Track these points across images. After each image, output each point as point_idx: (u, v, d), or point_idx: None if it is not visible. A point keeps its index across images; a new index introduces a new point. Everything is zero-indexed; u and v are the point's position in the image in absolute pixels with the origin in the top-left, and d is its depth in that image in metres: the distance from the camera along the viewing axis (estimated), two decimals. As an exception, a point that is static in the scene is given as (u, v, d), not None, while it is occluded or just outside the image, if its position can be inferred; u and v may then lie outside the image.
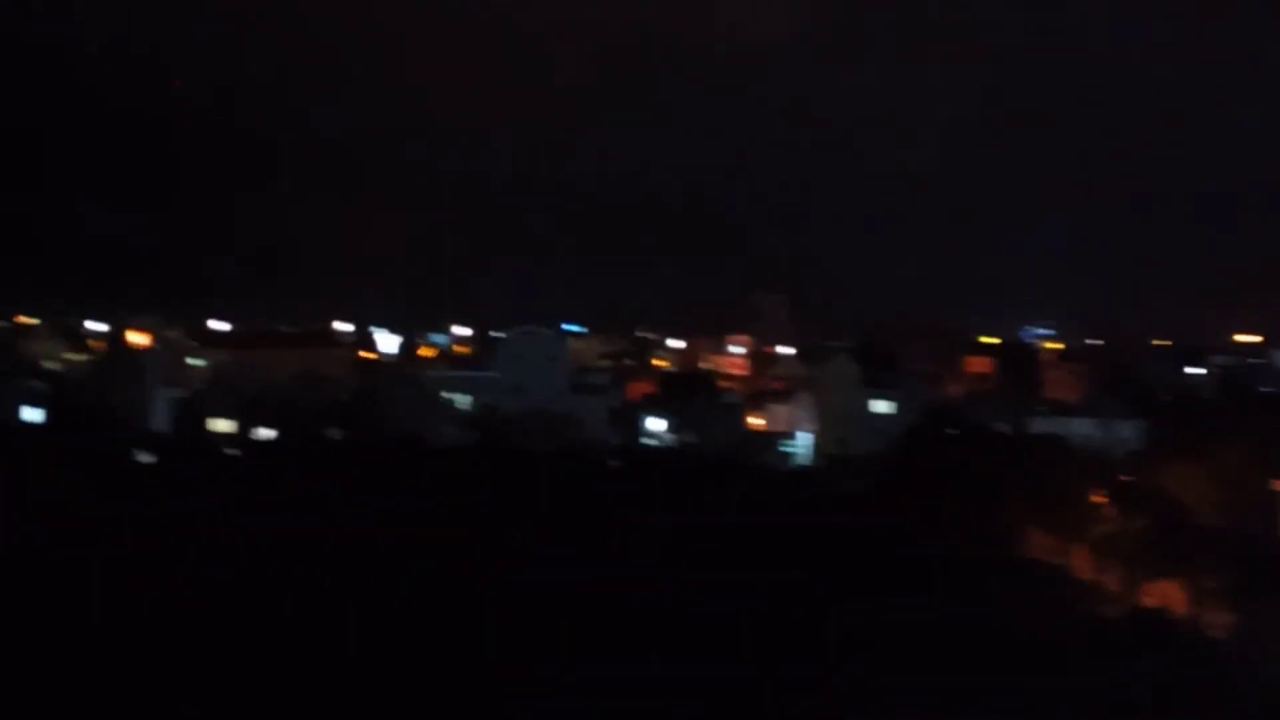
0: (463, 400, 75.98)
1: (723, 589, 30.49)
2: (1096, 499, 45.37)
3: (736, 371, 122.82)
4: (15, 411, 64.23)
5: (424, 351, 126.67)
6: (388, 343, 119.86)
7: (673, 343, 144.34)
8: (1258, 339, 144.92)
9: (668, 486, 42.84)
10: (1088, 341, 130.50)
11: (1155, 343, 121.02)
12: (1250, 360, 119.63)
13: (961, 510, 43.00)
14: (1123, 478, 49.99)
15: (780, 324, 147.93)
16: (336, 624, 23.21)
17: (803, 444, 77.94)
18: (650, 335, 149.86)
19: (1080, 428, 73.05)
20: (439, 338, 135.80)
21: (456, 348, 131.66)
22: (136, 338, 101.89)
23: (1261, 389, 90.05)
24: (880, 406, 78.40)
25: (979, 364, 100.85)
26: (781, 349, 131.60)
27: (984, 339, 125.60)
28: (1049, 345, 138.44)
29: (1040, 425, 71.30)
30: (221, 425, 64.08)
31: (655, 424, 76.37)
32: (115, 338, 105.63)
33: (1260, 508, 45.62)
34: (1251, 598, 33.81)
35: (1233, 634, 34.13)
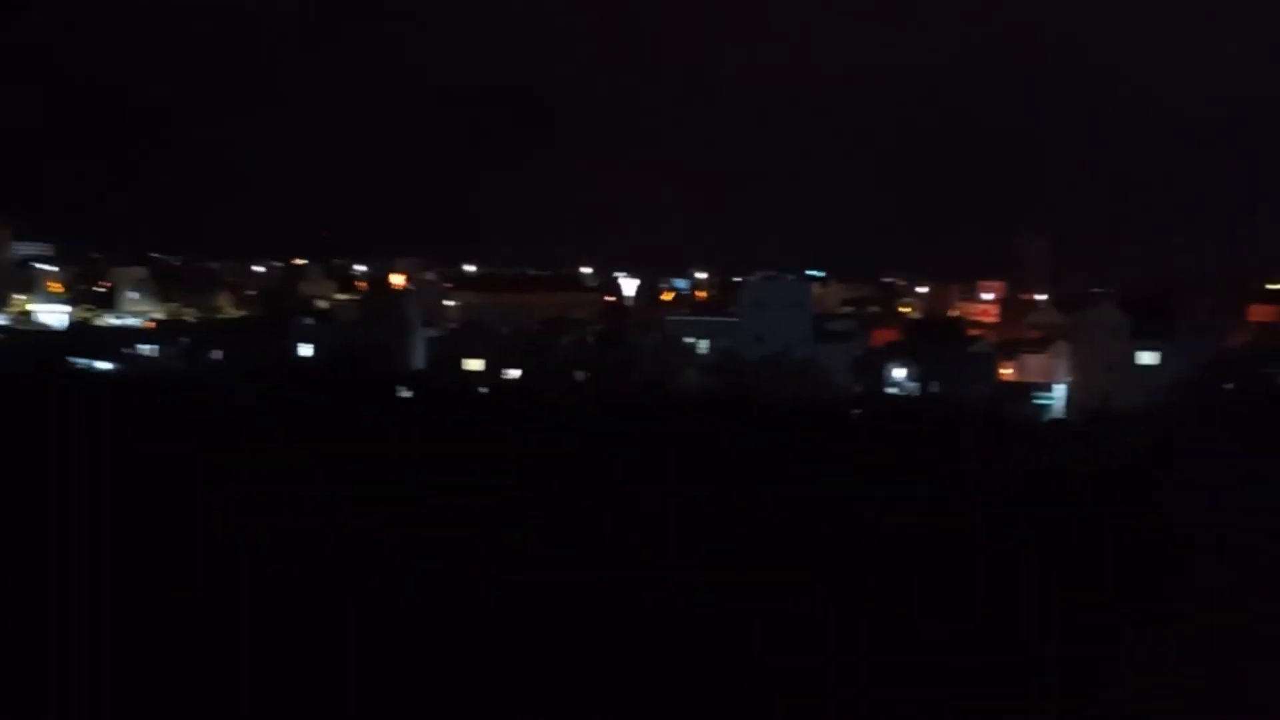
0: (703, 345, 76.44)
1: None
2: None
3: (988, 319, 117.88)
4: (294, 348, 69.70)
5: (665, 296, 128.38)
6: (630, 287, 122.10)
7: (920, 289, 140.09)
8: None
9: (913, 440, 41.35)
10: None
11: None
12: None
13: (1243, 475, 39.43)
14: None
15: (1037, 269, 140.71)
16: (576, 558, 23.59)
17: (1058, 396, 73.98)
18: (897, 280, 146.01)
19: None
20: (681, 283, 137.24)
21: (698, 293, 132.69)
22: (397, 279, 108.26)
23: None
24: (1148, 358, 73.23)
25: (1265, 313, 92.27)
26: (1038, 295, 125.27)
27: (1271, 285, 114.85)
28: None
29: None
30: (473, 364, 67.17)
31: (900, 373, 74.35)
32: (378, 280, 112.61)
33: None
34: None
35: None
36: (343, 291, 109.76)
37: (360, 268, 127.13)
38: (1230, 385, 55.54)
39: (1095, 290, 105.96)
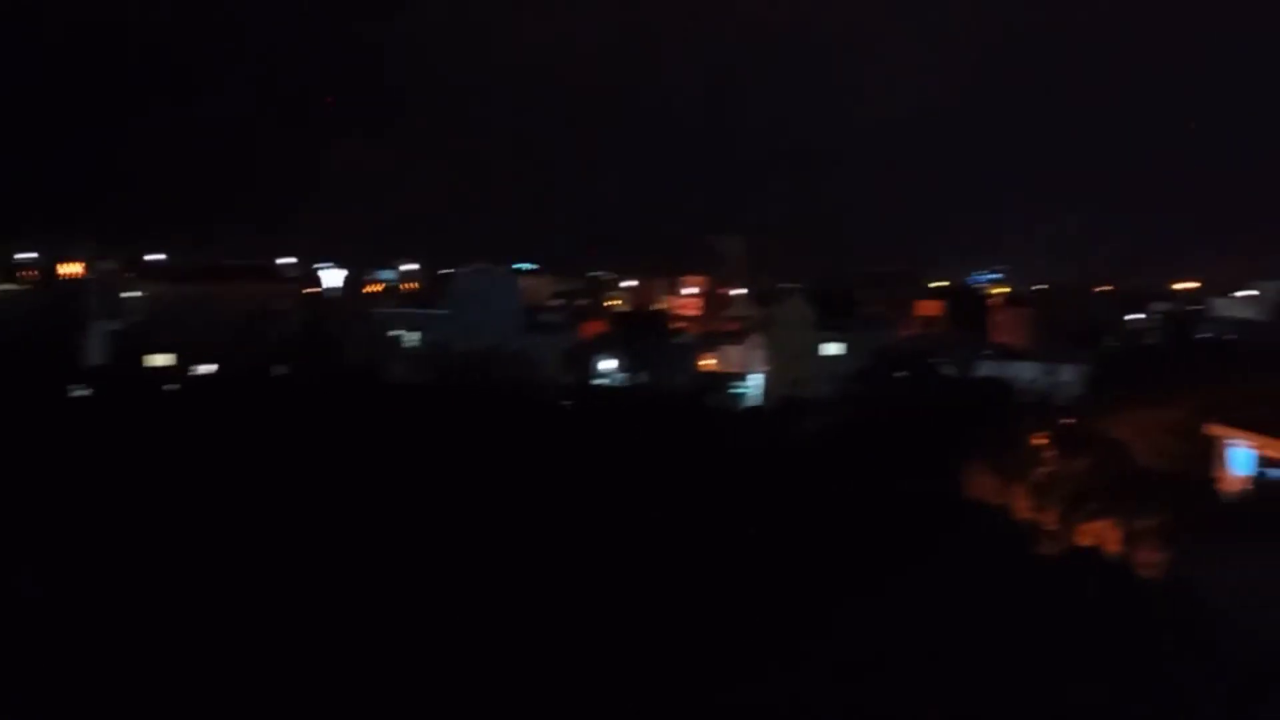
0: (411, 338, 75.25)
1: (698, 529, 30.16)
2: (1038, 441, 46.05)
3: (690, 312, 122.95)
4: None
5: (373, 288, 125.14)
6: (333, 278, 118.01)
7: (626, 283, 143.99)
8: (1195, 285, 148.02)
9: (621, 426, 42.64)
10: (1034, 287, 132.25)
11: (1098, 289, 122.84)
12: (1189, 307, 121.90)
13: (910, 452, 43.44)
14: (1064, 421, 50.75)
15: (735, 266, 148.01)
16: (278, 566, 22.74)
17: (754, 385, 78.26)
18: (603, 275, 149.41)
19: (1025, 371, 74.29)
20: (387, 274, 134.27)
21: (405, 285, 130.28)
22: (70, 268, 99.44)
23: (1199, 335, 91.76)
24: (832, 349, 78.89)
25: (929, 308, 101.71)
26: (736, 290, 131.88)
27: (934, 283, 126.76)
28: (997, 290, 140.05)
29: (987, 369, 72.40)
30: (159, 360, 62.89)
31: (608, 364, 76.25)
32: (48, 268, 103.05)
33: (1195, 452, 46.52)
34: (1181, 539, 34.56)
35: (1161, 572, 34.95)
36: (7, 281, 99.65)
37: (27, 255, 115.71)
38: (901, 374, 61.04)
39: (786, 285, 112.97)
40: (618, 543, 29.44)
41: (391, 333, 75.61)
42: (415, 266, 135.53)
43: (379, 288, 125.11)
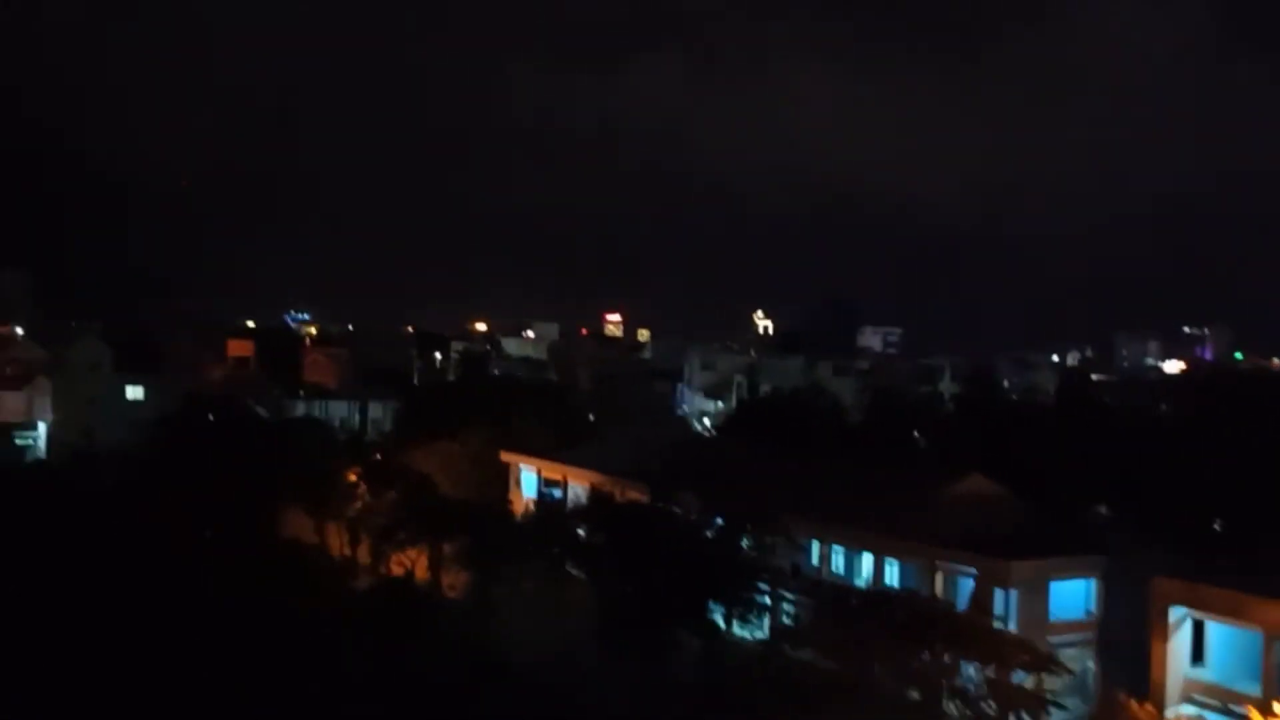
0: None
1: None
2: (351, 477, 47.47)
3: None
4: None
5: None
6: None
7: None
8: (485, 327, 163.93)
9: None
10: (345, 328, 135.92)
11: (403, 328, 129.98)
12: (482, 346, 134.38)
13: (219, 497, 42.18)
14: (376, 456, 52.93)
15: (14, 301, 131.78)
16: None
17: (41, 435, 70.15)
18: None
19: (338, 410, 76.00)
20: None
21: None
22: None
23: (492, 372, 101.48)
24: (134, 393, 73.54)
25: (240, 348, 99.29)
26: (16, 329, 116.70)
27: (246, 324, 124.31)
28: (308, 330, 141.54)
29: (301, 409, 72.75)
30: None
31: None
32: None
33: (493, 479, 51.38)
34: (483, 559, 38.01)
35: (467, 593, 38.15)
36: None
37: None
38: (212, 417, 58.82)
39: (77, 324, 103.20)
40: None
41: None
42: None
43: None
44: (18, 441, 67.86)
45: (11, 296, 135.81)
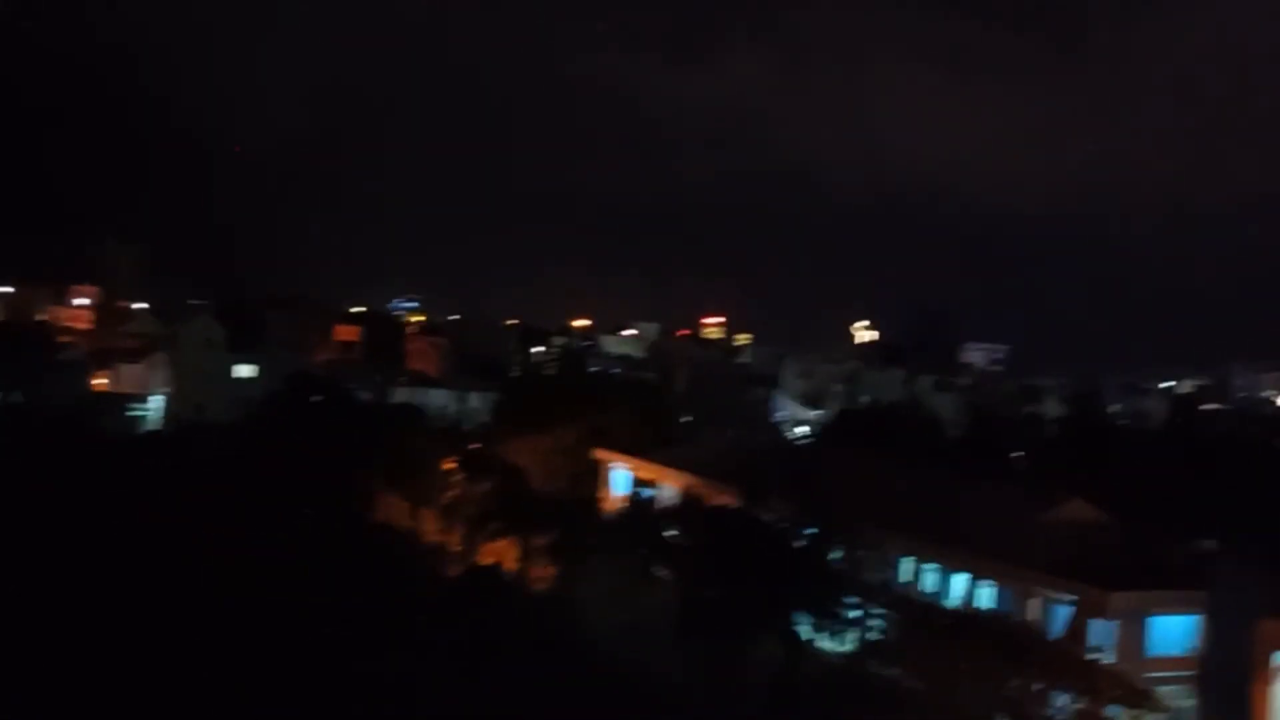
0: None
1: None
2: (447, 466, 48.19)
3: (80, 326, 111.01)
4: None
5: None
6: None
7: (2, 289, 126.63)
8: (587, 324, 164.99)
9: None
10: (449, 318, 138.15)
11: (506, 322, 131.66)
12: (583, 343, 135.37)
13: (319, 477, 43.24)
14: (471, 446, 53.63)
15: (132, 277, 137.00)
16: None
17: (155, 407, 72.84)
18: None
19: (437, 398, 77.24)
20: None
21: None
22: None
23: (590, 369, 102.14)
24: (243, 371, 75.85)
25: (347, 333, 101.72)
26: (135, 304, 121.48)
27: (353, 309, 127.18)
28: (413, 318, 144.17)
29: (401, 395, 74.15)
30: None
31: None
32: None
33: (585, 474, 51.70)
34: (571, 555, 38.29)
35: (554, 586, 38.42)
36: None
37: None
38: (316, 398, 60.25)
39: (194, 302, 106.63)
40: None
41: None
42: None
43: None
44: (130, 413, 70.49)
45: (132, 273, 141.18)
